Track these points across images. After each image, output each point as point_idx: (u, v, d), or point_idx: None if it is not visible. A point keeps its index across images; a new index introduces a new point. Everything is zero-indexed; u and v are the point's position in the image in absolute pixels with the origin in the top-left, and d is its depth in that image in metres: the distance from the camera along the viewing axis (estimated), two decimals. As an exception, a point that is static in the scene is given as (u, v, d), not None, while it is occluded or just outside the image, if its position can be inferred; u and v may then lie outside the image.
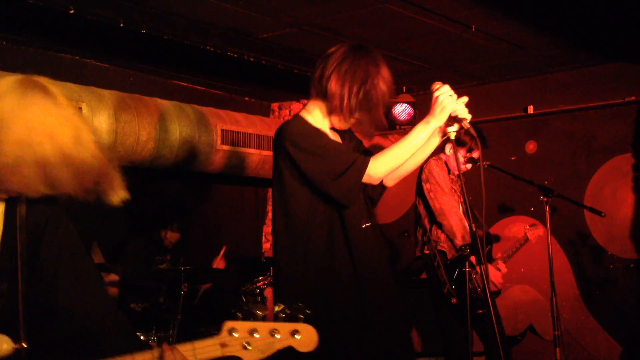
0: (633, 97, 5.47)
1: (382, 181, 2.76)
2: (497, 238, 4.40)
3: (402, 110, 6.24)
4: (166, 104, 5.16)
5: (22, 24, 4.51)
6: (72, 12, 4.03)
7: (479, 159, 4.25)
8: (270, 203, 6.94)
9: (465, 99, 2.59)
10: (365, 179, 2.58)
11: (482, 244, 3.52)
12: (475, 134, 2.62)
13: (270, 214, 7.00)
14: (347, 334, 2.59)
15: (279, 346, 1.71)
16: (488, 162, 4.58)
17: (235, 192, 6.61)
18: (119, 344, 1.73)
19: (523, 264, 5.92)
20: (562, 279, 5.57)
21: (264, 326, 1.70)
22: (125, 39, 4.71)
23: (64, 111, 1.63)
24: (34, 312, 1.69)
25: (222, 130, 5.39)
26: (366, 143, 3.06)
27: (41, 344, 1.70)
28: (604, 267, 5.59)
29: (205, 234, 6.18)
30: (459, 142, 4.24)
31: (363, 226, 2.69)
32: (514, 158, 6.08)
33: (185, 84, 6.05)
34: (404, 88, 6.26)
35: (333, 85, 2.62)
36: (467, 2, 4.21)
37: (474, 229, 2.45)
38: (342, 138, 2.83)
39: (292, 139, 2.64)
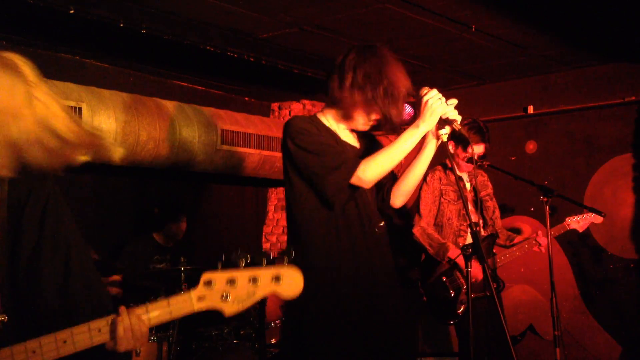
0: (633, 97, 5.47)
1: (390, 202, 2.83)
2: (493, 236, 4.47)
3: (402, 110, 6.24)
4: (166, 104, 5.15)
5: (22, 24, 4.51)
6: (72, 12, 4.03)
7: (477, 158, 4.29)
8: (270, 203, 6.95)
9: (454, 101, 2.62)
10: (354, 181, 2.62)
11: (481, 244, 3.74)
12: (466, 135, 2.64)
13: (270, 214, 7.00)
14: (355, 330, 2.63)
15: (260, 294, 1.61)
16: (488, 162, 4.58)
17: (235, 192, 6.61)
18: (87, 315, 1.66)
19: (523, 264, 5.92)
20: (562, 279, 5.57)
21: (244, 274, 1.60)
22: (125, 39, 4.71)
23: (32, 90, 1.61)
24: (15, 284, 1.66)
25: (222, 130, 5.39)
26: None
27: (22, 317, 1.67)
28: (604, 267, 5.59)
29: (205, 234, 6.17)
30: (457, 140, 4.29)
31: (380, 224, 2.77)
32: (514, 158, 6.09)
33: (185, 84, 6.04)
34: (404, 88, 6.26)
35: (347, 94, 2.65)
36: (467, 2, 4.21)
37: (475, 229, 2.45)
38: (360, 141, 2.88)
39: (292, 134, 2.69)
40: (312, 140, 2.67)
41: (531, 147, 6.04)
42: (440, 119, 2.59)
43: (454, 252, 4.20)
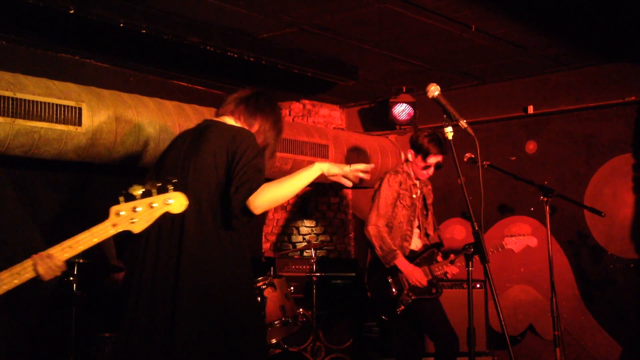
0: (633, 97, 5.47)
1: (251, 208, 2.59)
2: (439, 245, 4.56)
3: (402, 110, 6.24)
4: (166, 104, 5.15)
5: (22, 24, 4.51)
6: (72, 12, 4.03)
7: (434, 168, 4.36)
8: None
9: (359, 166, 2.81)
10: (248, 204, 2.54)
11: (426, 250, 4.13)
12: (472, 133, 2.67)
13: (270, 214, 7.00)
14: None
15: (158, 213, 2.14)
16: (488, 162, 4.58)
17: (235, 192, 6.59)
18: None
19: (523, 264, 5.92)
20: (562, 279, 5.58)
21: (144, 202, 2.13)
22: (125, 39, 4.71)
23: None
24: None
25: (222, 130, 5.38)
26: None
27: None
28: (604, 267, 5.59)
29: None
30: (414, 148, 4.39)
31: None
32: (514, 158, 6.09)
33: (185, 84, 6.05)
34: (404, 88, 6.26)
35: (259, 122, 2.92)
36: (467, 2, 4.21)
37: (476, 228, 2.46)
38: None
39: (251, 144, 2.68)
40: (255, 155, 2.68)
41: (531, 147, 6.04)
42: (444, 117, 2.72)
43: (401, 261, 4.30)
